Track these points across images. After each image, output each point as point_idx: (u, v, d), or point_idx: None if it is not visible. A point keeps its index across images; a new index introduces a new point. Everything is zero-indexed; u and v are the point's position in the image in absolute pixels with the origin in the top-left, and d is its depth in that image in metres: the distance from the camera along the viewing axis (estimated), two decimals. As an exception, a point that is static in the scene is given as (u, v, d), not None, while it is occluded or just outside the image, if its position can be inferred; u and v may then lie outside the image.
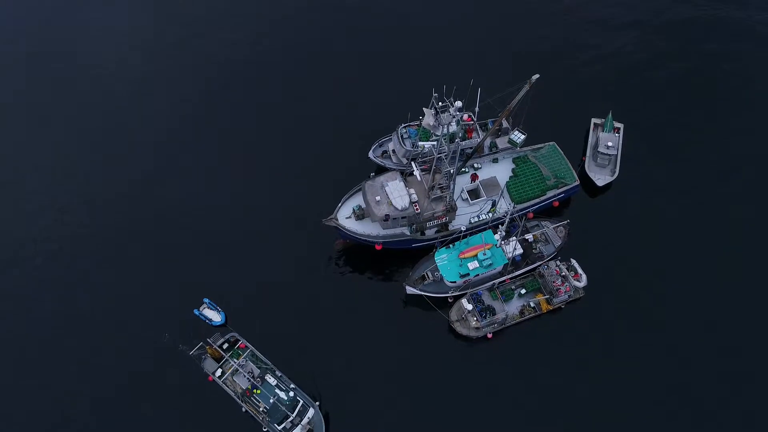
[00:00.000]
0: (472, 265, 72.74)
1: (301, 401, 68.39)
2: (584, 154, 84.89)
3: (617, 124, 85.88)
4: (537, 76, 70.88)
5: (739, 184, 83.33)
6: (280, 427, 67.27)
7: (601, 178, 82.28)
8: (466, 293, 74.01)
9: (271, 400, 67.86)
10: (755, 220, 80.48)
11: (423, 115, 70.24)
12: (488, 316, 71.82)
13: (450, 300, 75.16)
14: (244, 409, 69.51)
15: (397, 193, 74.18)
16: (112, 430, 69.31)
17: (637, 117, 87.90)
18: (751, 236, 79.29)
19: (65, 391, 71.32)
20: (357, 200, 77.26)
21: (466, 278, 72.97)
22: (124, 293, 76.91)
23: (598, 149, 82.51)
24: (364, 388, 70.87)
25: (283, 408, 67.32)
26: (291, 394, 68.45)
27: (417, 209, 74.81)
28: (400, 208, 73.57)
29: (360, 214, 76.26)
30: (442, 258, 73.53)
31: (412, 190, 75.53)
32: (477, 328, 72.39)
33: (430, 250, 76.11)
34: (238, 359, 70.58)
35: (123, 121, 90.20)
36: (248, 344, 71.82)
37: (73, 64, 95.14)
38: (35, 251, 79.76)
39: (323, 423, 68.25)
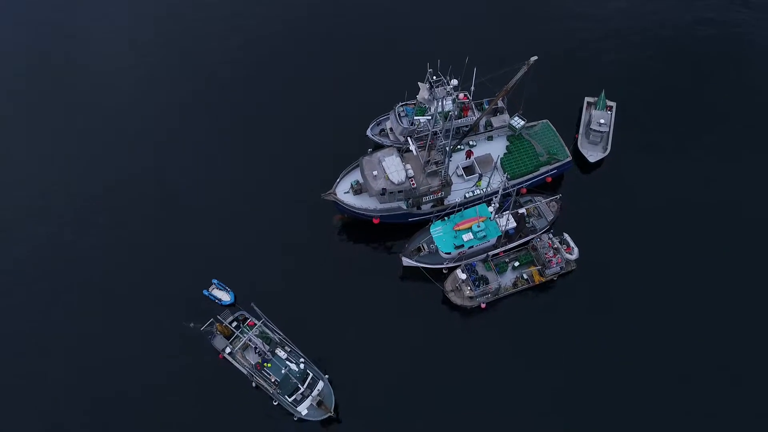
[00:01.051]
0: (467, 236, 74.98)
1: (311, 374, 69.79)
2: (577, 132, 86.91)
3: (610, 103, 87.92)
4: (535, 57, 72.89)
5: (729, 159, 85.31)
6: (290, 399, 68.59)
7: (593, 154, 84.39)
8: (460, 264, 76.18)
9: (282, 371, 68.86)
10: (745, 194, 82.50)
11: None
12: (481, 285, 74.03)
13: (445, 271, 77.45)
14: (254, 384, 70.91)
15: (393, 168, 76.48)
16: (123, 408, 70.61)
17: (630, 96, 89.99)
18: (742, 210, 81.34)
19: (78, 367, 72.94)
20: (355, 176, 79.54)
21: (461, 249, 75.18)
22: (134, 276, 78.49)
23: (591, 126, 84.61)
24: (367, 358, 72.60)
25: (294, 380, 68.57)
26: (301, 366, 69.81)
27: (413, 184, 77.11)
28: (396, 182, 75.87)
29: (358, 189, 78.58)
30: (438, 230, 75.82)
31: (408, 166, 77.76)
32: (471, 298, 74.67)
33: (426, 224, 78.23)
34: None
35: (131, 104, 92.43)
36: (257, 321, 72.14)
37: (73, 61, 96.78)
38: (46, 232, 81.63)
39: (333, 395, 69.74)
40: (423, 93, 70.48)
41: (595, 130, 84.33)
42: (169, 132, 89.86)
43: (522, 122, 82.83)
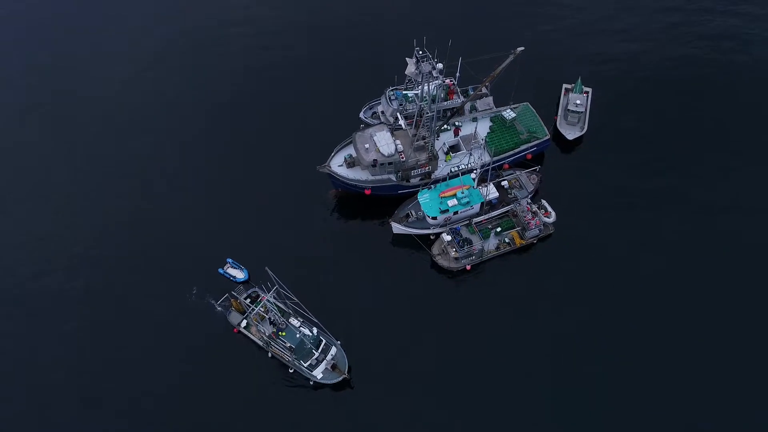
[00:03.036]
0: (452, 202, 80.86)
1: (324, 340, 73.18)
2: (556, 114, 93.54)
3: (586, 89, 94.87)
4: (522, 48, 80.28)
5: (697, 138, 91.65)
6: (306, 364, 71.60)
7: (571, 133, 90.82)
8: (446, 229, 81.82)
9: (297, 336, 72.00)
10: (713, 164, 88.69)
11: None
12: (465, 246, 79.49)
13: (432, 237, 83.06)
14: (270, 355, 74.06)
15: (384, 142, 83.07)
16: (144, 383, 73.65)
17: (605, 83, 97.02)
18: (710, 178, 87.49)
19: (99, 346, 76.78)
20: (349, 151, 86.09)
21: (446, 214, 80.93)
22: (154, 254, 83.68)
23: (568, 108, 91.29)
24: (370, 322, 76.65)
25: (309, 345, 71.54)
26: (315, 332, 73.14)
27: (402, 157, 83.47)
28: (386, 154, 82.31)
29: (351, 162, 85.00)
30: (424, 197, 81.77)
31: (398, 141, 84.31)
32: (456, 259, 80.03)
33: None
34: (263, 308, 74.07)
35: (150, 94, 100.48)
36: (268, 295, 72.84)
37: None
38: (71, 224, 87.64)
39: (346, 359, 72.90)
40: (410, 68, 77.53)
41: (572, 111, 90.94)
42: (174, 124, 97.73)
43: (513, 114, 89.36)
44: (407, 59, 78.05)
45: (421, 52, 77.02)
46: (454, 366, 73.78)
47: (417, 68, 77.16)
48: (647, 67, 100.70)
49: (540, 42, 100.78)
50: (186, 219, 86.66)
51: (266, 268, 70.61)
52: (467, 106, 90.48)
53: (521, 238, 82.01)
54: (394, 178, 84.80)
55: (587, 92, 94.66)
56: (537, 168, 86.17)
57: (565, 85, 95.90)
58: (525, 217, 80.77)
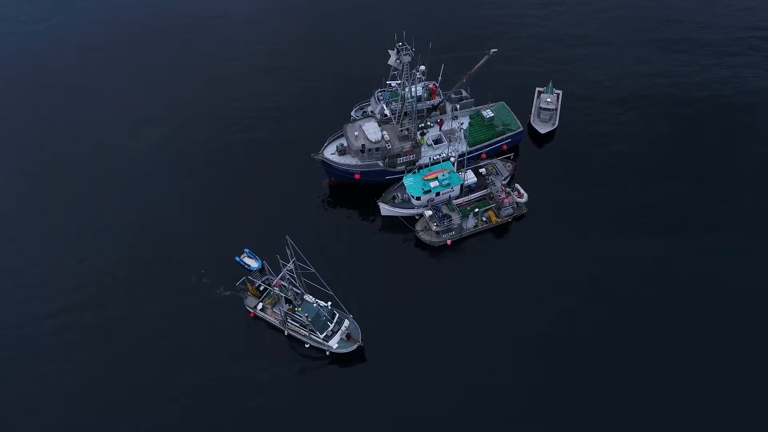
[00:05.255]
0: (434, 184, 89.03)
1: (337, 313, 77.91)
2: (530, 113, 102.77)
3: (557, 91, 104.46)
4: (495, 50, 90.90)
5: (656, 132, 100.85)
6: (322, 335, 75.69)
7: (543, 127, 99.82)
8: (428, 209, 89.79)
9: (314, 305, 76.76)
10: (660, 149, 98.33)
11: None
12: (445, 221, 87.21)
13: (417, 217, 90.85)
14: (286, 333, 78.55)
15: (371, 130, 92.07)
16: (166, 365, 78.25)
17: (574, 88, 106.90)
18: (657, 158, 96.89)
19: (127, 328, 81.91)
20: (341, 142, 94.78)
21: (429, 195, 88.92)
22: (179, 245, 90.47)
23: (541, 106, 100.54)
24: (370, 295, 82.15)
25: (325, 316, 76.05)
26: (329, 306, 78.16)
27: (389, 145, 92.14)
28: (373, 140, 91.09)
29: (342, 151, 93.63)
30: (409, 180, 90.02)
31: (384, 132, 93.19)
32: (437, 233, 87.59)
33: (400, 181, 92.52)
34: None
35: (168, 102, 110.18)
36: (289, 265, 75.00)
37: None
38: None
39: (359, 329, 77.56)
40: (392, 58, 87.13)
41: (544, 108, 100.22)
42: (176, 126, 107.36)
43: (492, 114, 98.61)
44: (390, 51, 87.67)
45: (401, 44, 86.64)
46: (437, 327, 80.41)
47: (398, 58, 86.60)
48: (610, 71, 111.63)
49: (515, 49, 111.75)
50: (200, 215, 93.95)
51: (286, 236, 73.60)
52: (449, 107, 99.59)
53: (497, 216, 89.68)
54: (381, 164, 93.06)
55: (558, 93, 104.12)
56: (511, 155, 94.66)
57: (538, 88, 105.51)
58: (499, 195, 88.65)
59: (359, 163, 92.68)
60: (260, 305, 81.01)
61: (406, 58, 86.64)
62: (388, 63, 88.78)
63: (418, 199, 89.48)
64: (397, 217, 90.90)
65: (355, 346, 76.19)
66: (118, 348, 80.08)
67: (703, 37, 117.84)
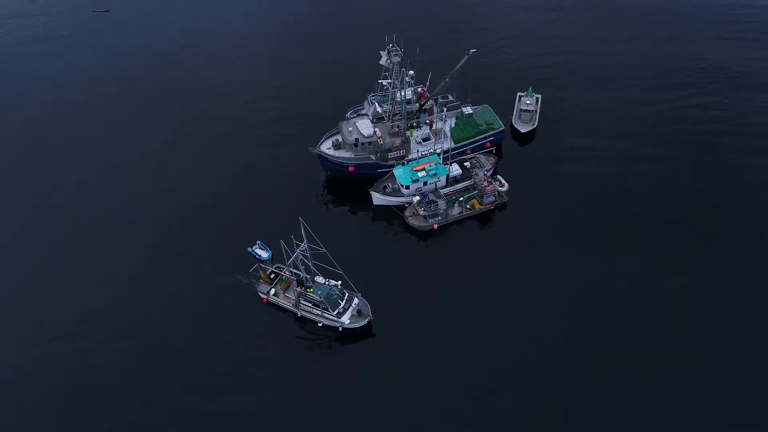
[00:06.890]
0: (421, 174, 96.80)
1: (347, 292, 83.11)
2: (512, 115, 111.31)
3: (536, 95, 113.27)
4: (474, 50, 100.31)
5: (630, 133, 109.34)
6: (335, 313, 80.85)
7: (524, 127, 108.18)
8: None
9: (325, 284, 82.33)
10: (629, 137, 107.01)
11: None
12: (432, 206, 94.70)
13: (406, 205, 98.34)
14: (299, 314, 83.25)
15: (364, 126, 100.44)
16: (184, 351, 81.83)
17: (553, 93, 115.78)
18: (633, 146, 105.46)
19: (141, 317, 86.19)
20: (336, 137, 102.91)
21: (417, 184, 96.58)
22: (194, 236, 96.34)
23: (521, 108, 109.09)
24: (370, 276, 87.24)
25: (336, 295, 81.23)
26: (339, 285, 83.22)
27: (380, 141, 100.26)
28: (366, 135, 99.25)
29: (337, 146, 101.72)
30: (399, 171, 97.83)
31: (376, 128, 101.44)
32: (424, 218, 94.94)
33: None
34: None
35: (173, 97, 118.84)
36: (303, 245, 79.29)
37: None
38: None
39: (368, 306, 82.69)
40: (383, 59, 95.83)
41: (524, 110, 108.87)
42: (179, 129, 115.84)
43: (471, 111, 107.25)
44: (381, 52, 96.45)
45: (391, 46, 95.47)
46: (427, 305, 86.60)
47: (388, 58, 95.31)
48: (587, 75, 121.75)
49: (498, 56, 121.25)
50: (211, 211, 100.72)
51: (299, 218, 77.98)
52: (436, 108, 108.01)
53: (480, 203, 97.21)
54: (373, 158, 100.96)
55: (537, 97, 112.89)
56: (493, 149, 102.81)
57: (519, 93, 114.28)
58: (482, 183, 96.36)
59: (353, 156, 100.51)
60: (272, 291, 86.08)
61: (396, 59, 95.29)
62: (380, 63, 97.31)
63: (407, 187, 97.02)
64: (388, 206, 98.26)
65: (366, 321, 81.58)
66: (143, 336, 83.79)
67: (684, 37, 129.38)
